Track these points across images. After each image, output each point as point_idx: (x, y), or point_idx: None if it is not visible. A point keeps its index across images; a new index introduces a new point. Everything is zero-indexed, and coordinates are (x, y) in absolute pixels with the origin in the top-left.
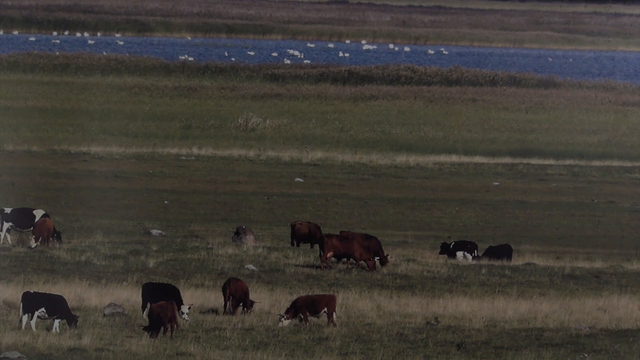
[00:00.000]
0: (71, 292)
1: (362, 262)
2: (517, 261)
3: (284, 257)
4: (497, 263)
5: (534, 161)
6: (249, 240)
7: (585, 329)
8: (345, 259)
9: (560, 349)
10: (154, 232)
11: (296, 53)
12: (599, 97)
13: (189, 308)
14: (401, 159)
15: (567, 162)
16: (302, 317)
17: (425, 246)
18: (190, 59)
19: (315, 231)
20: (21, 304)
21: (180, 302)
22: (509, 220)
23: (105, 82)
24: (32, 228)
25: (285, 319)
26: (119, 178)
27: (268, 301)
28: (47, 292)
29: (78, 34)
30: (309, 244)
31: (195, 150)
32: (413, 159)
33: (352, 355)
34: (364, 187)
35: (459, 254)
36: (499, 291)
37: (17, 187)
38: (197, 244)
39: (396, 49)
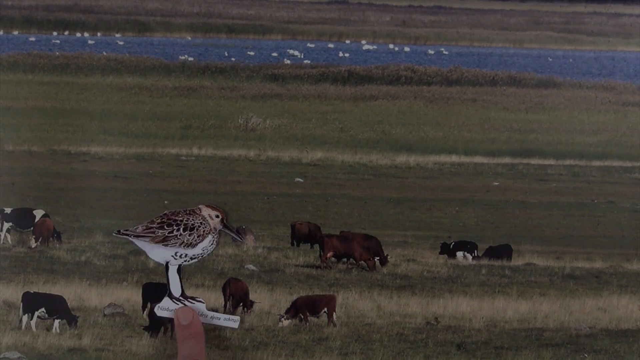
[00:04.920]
0: (71, 292)
1: (362, 262)
2: (517, 261)
3: (284, 257)
4: (497, 263)
5: (534, 161)
6: (249, 240)
7: (585, 329)
8: (345, 259)
9: (560, 349)
10: None
11: (296, 53)
12: (599, 97)
13: None
14: (401, 159)
15: (567, 162)
16: (302, 317)
17: (425, 246)
18: (190, 59)
19: (315, 231)
20: (21, 304)
21: None
22: (509, 220)
23: (105, 82)
24: (32, 228)
25: (285, 319)
26: (119, 178)
27: (268, 301)
28: (47, 292)
29: (78, 34)
30: (309, 244)
31: (195, 150)
32: (413, 159)
33: (352, 355)
34: (364, 187)
35: (459, 254)
36: (499, 291)
37: (17, 187)
38: None
39: (396, 49)
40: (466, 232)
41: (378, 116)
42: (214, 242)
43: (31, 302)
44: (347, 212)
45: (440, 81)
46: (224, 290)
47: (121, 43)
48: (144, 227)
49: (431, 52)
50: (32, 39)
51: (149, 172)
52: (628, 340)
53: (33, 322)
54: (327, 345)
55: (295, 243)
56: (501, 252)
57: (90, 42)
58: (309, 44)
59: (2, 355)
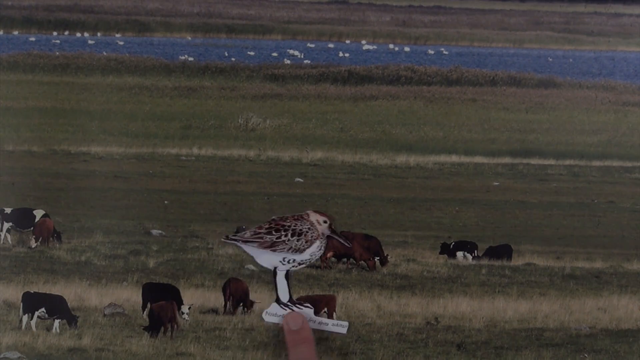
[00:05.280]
0: (71, 292)
1: (362, 262)
2: (517, 261)
3: None
4: (497, 263)
5: (534, 161)
6: None
7: (585, 329)
8: (345, 259)
9: (560, 349)
10: (154, 232)
11: (296, 53)
12: (599, 97)
13: (189, 308)
14: (401, 159)
15: (567, 162)
16: None
17: (425, 246)
18: (190, 59)
19: None
20: (21, 304)
21: (180, 302)
22: (509, 220)
23: (105, 82)
24: (32, 228)
25: None
26: (119, 178)
27: (268, 301)
28: (47, 292)
29: (78, 34)
30: None
31: (195, 150)
32: (413, 159)
33: (352, 355)
34: (364, 187)
35: (459, 254)
36: (499, 291)
37: (17, 187)
38: (197, 244)
39: (396, 49)
40: (466, 232)
41: (378, 116)
42: (322, 247)
43: (31, 302)
44: (347, 212)
45: (440, 81)
46: (224, 290)
47: (121, 43)
48: (252, 233)
49: (431, 52)
50: (32, 39)
51: (149, 172)
52: (628, 340)
53: (33, 322)
54: (327, 345)
55: None
56: (501, 252)
57: (90, 42)
58: (309, 44)
59: (2, 355)
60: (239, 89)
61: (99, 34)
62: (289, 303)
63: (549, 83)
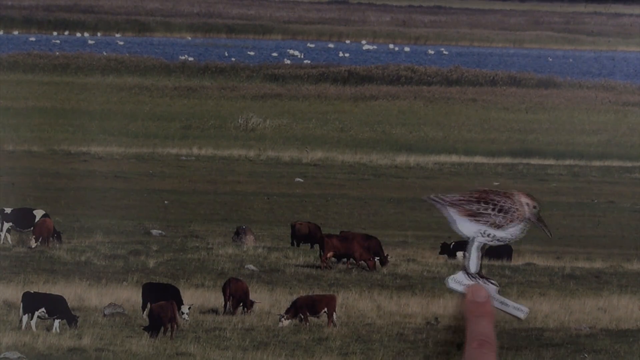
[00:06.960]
0: (71, 292)
1: (362, 262)
2: (517, 261)
3: (284, 257)
4: (497, 263)
5: (534, 161)
6: (249, 240)
7: (585, 329)
8: (345, 259)
9: (560, 349)
10: (154, 232)
11: (296, 53)
12: (599, 97)
13: (189, 308)
14: (401, 159)
15: (567, 162)
16: (302, 317)
17: (425, 246)
18: (190, 59)
19: (315, 231)
20: (21, 304)
21: (180, 302)
22: None
23: (105, 82)
24: (32, 228)
25: (285, 319)
26: (119, 178)
27: (268, 301)
28: (47, 292)
29: (78, 34)
30: (309, 244)
31: (195, 150)
32: (413, 159)
33: (352, 355)
34: (364, 187)
35: (459, 254)
36: (498, 291)
37: (17, 187)
38: (197, 244)
39: (396, 49)
40: None
41: (378, 116)
42: (524, 231)
43: (31, 302)
44: (347, 212)
45: (440, 81)
46: (224, 290)
47: (121, 43)
48: (459, 198)
49: (431, 52)
50: (32, 39)
51: (149, 172)
52: (628, 340)
53: (33, 322)
54: (327, 345)
55: (295, 243)
56: (501, 252)
57: (90, 42)
58: (309, 44)
59: (2, 355)
60: (239, 89)
61: (99, 34)
62: (476, 275)
63: (549, 83)
